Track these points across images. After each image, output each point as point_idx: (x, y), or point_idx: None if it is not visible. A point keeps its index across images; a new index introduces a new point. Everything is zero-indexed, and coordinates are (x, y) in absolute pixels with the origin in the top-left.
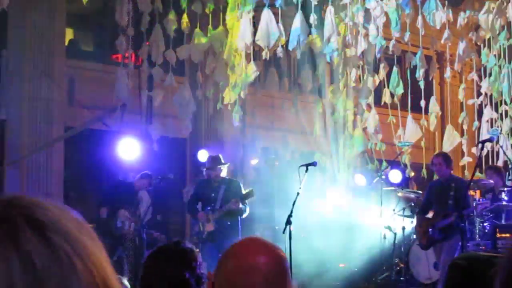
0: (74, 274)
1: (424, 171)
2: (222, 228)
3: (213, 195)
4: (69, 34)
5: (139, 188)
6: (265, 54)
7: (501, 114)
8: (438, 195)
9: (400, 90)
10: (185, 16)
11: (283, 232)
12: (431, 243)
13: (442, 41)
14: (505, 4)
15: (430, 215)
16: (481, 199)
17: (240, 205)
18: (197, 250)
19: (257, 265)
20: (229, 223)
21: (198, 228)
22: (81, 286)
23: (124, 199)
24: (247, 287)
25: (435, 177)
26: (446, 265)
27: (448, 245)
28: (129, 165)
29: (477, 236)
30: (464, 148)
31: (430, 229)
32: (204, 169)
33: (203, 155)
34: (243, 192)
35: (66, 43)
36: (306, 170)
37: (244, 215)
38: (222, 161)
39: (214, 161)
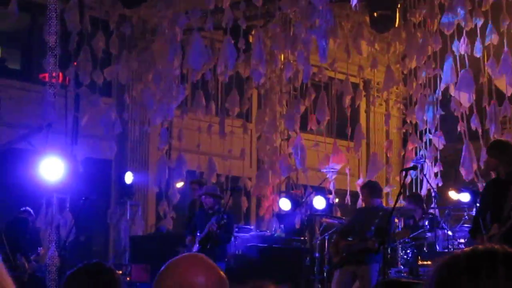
0: None
1: (348, 197)
2: (205, 250)
3: (205, 222)
4: None
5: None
6: (193, 77)
7: (425, 143)
8: (363, 220)
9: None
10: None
11: None
12: (342, 264)
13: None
14: (430, 34)
15: (349, 238)
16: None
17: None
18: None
19: (195, 286)
20: (209, 246)
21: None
22: None
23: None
24: None
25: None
26: None
27: (364, 272)
28: (53, 186)
29: (399, 263)
30: (389, 175)
31: (344, 254)
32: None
33: (129, 177)
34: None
35: None
36: (232, 194)
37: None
38: (216, 194)
39: (211, 192)
